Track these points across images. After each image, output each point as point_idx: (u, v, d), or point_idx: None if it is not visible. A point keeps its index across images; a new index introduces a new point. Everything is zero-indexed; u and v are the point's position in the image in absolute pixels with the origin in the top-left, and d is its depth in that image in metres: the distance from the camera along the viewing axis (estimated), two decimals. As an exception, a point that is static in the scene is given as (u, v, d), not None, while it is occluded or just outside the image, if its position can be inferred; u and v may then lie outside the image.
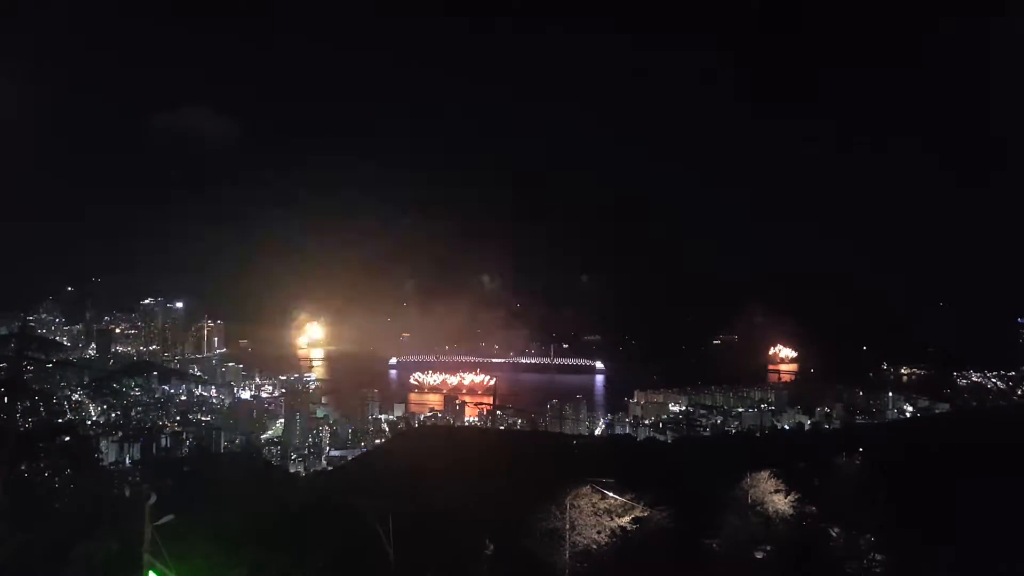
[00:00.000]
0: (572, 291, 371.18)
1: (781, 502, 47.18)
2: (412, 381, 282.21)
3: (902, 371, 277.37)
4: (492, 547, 35.71)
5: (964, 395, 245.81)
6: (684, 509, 43.61)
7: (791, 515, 47.05)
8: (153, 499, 18.82)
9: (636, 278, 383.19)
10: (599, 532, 41.12)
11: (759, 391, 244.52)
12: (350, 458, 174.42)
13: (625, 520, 42.03)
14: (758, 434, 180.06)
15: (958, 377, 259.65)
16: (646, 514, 42.47)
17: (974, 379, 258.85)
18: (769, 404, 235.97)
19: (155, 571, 17.02)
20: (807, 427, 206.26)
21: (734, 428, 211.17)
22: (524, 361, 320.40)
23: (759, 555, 44.01)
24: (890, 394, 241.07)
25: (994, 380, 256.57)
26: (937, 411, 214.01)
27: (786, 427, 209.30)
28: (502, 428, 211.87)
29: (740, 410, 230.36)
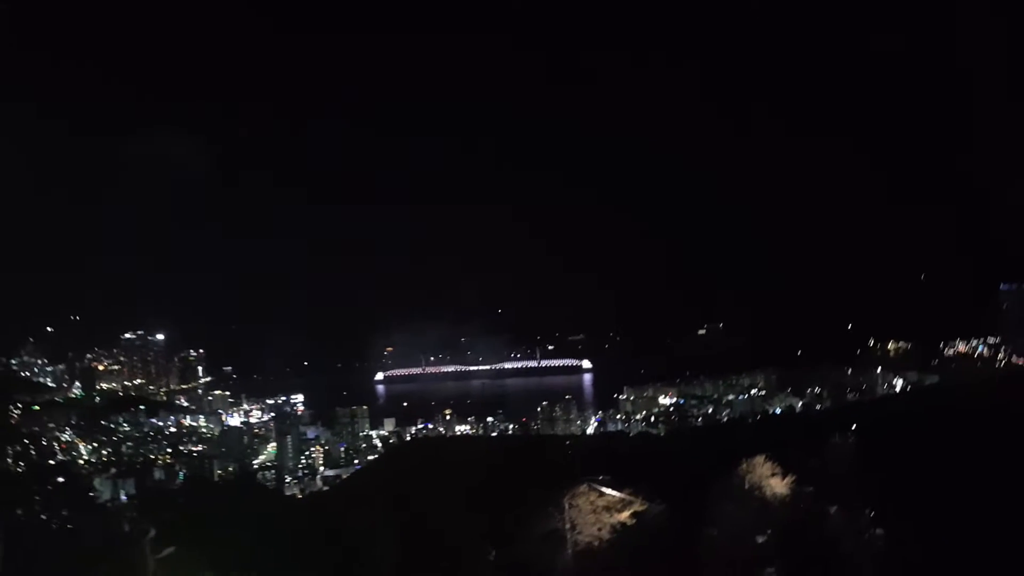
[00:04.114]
0: (553, 292, 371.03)
1: (778, 485, 47.46)
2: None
3: (889, 347, 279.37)
4: (494, 552, 35.81)
5: (952, 365, 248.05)
6: (682, 500, 43.86)
7: (788, 497, 47.37)
8: (152, 533, 18.85)
9: (617, 274, 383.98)
10: (599, 529, 41.34)
11: (748, 377, 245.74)
12: (344, 476, 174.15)
13: (624, 515, 42.26)
14: (750, 420, 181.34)
15: (944, 347, 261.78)
16: (645, 508, 42.72)
17: (960, 349, 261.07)
18: (759, 389, 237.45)
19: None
20: (798, 409, 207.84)
21: (725, 416, 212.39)
22: (510, 366, 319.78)
23: (760, 539, 44.28)
24: (879, 370, 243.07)
25: (979, 348, 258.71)
26: (927, 383, 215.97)
27: (777, 411, 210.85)
28: (494, 435, 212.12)
29: (730, 397, 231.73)
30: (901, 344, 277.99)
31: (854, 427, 59.47)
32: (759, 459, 48.42)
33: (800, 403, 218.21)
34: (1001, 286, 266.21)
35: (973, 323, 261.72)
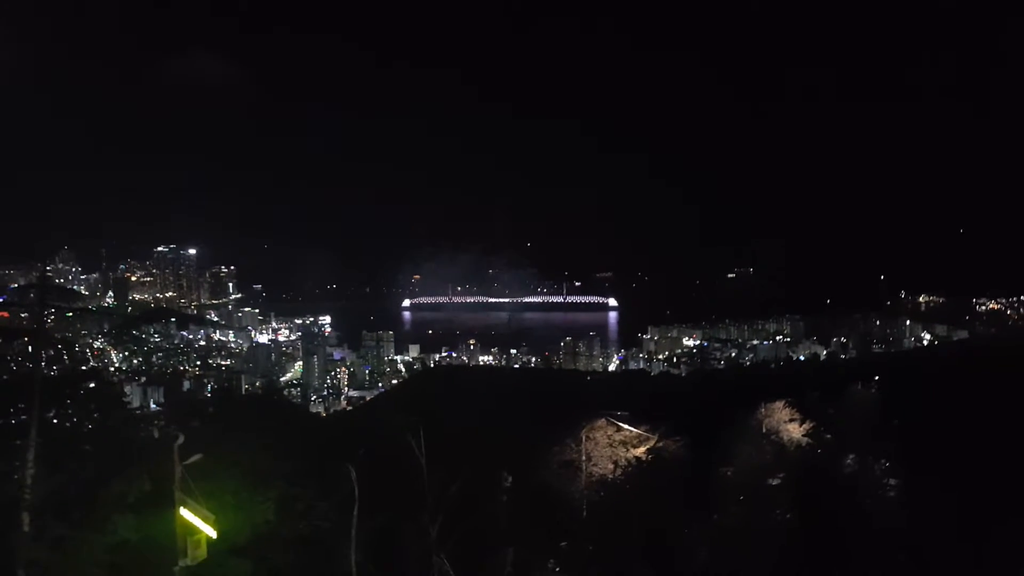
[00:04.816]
0: (583, 228, 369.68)
1: (795, 431, 47.56)
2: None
3: (920, 299, 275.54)
4: (510, 478, 36.47)
5: (984, 321, 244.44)
6: (698, 439, 44.10)
7: (805, 443, 47.52)
8: (181, 439, 19.39)
9: (649, 213, 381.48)
10: (614, 462, 41.86)
11: (774, 323, 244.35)
12: (368, 398, 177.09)
13: (640, 451, 42.68)
14: (773, 366, 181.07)
15: (977, 304, 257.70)
16: (661, 445, 43.07)
17: (993, 305, 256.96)
18: (785, 336, 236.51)
19: (187, 507, 17.72)
20: (822, 357, 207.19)
21: (749, 360, 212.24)
22: (536, 300, 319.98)
23: (773, 482, 44.61)
24: (907, 322, 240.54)
25: (1014, 306, 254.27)
26: (955, 338, 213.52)
27: (801, 358, 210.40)
28: (516, 366, 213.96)
29: (755, 343, 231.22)
30: (932, 298, 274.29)
31: (876, 378, 59.16)
32: (778, 404, 48.49)
33: (824, 351, 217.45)
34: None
35: (1010, 280, 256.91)
